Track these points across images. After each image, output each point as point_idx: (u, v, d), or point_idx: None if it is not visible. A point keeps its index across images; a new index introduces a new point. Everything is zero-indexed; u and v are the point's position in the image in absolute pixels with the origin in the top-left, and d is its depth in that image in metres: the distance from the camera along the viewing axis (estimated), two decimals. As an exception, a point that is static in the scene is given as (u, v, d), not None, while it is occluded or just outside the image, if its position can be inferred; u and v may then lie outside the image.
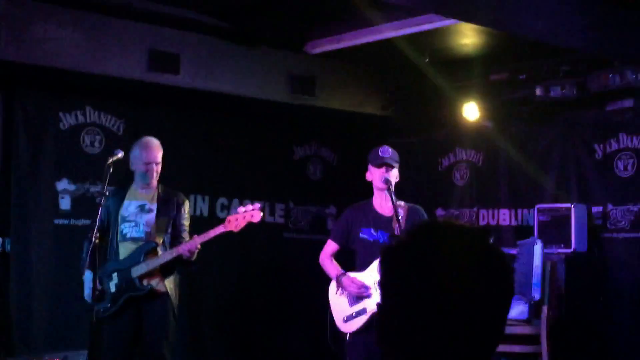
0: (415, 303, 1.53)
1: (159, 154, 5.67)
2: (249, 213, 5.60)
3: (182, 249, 5.44)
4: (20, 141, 6.72)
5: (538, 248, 6.36)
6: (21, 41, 6.14)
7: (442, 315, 1.51)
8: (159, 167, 5.67)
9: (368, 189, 5.69)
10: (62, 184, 6.93)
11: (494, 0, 4.25)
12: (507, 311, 1.59)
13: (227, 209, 7.79)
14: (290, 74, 7.53)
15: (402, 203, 5.64)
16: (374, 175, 5.59)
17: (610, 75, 6.77)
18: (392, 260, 1.59)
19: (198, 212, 7.61)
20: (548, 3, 4.13)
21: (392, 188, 5.52)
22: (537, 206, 7.15)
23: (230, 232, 5.57)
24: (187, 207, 5.81)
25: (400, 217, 5.46)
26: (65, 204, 6.94)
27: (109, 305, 5.51)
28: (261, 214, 5.69)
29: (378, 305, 1.61)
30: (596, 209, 7.15)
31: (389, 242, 5.31)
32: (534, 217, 7.15)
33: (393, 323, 1.57)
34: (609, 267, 6.98)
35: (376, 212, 5.63)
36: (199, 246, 5.47)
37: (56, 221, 6.90)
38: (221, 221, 5.69)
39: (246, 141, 7.95)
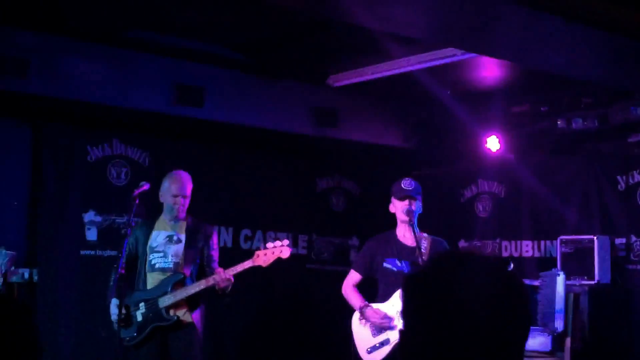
0: (436, 330, 1.56)
1: (188, 187, 5.73)
2: (279, 249, 5.61)
3: (218, 280, 5.46)
4: (48, 173, 6.84)
5: (560, 279, 6.35)
6: (49, 75, 6.29)
7: (463, 342, 1.54)
8: (187, 201, 5.72)
9: (390, 220, 5.73)
10: (89, 216, 7.03)
11: (513, 35, 4.30)
12: (526, 339, 1.62)
13: (251, 240, 7.85)
14: (313, 106, 7.63)
15: (425, 235, 5.68)
16: (397, 207, 5.64)
17: (632, 107, 6.80)
18: (414, 287, 1.63)
19: (222, 243, 7.64)
20: (567, 37, 4.19)
21: (415, 220, 5.57)
22: (559, 237, 7.14)
23: (259, 267, 5.59)
24: (215, 238, 5.85)
25: (423, 248, 5.49)
26: (91, 235, 7.03)
27: (135, 334, 5.56)
28: (290, 250, 5.69)
29: (400, 332, 1.65)
30: (619, 241, 7.14)
31: (411, 271, 5.34)
32: (557, 249, 7.14)
33: (415, 349, 1.60)
34: (633, 298, 6.94)
35: (400, 243, 5.67)
36: (232, 279, 5.49)
37: (82, 252, 6.99)
38: (245, 252, 5.74)
39: (269, 173, 8.03)
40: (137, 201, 5.42)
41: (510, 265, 1.60)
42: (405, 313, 1.64)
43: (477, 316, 1.55)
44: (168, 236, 5.69)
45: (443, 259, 1.67)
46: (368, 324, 5.56)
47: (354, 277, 5.78)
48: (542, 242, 7.74)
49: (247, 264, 5.54)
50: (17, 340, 1.90)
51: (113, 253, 6.66)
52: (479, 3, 3.57)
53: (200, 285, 5.50)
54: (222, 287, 5.49)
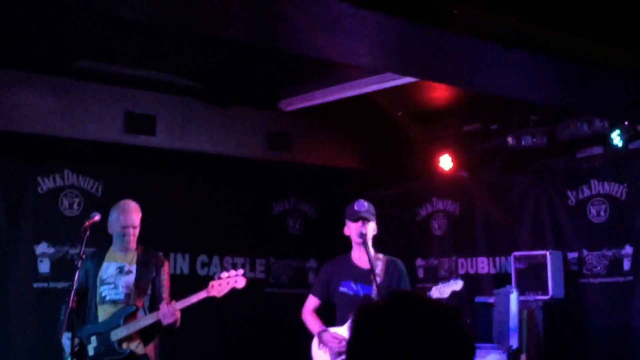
0: None
1: (137, 218, 5.64)
2: (233, 279, 5.53)
3: (164, 317, 5.37)
4: (-2, 206, 6.76)
5: (514, 297, 6.42)
6: (-2, 108, 6.22)
7: None
8: (137, 231, 5.63)
9: (348, 241, 5.75)
10: (41, 247, 6.95)
11: (458, 61, 4.37)
12: None
13: (208, 266, 7.82)
14: (266, 131, 7.64)
15: (380, 256, 5.70)
16: (351, 229, 5.65)
17: (579, 123, 6.92)
18: (365, 321, 1.65)
19: (178, 271, 7.62)
20: (512, 62, 4.26)
21: (370, 242, 5.59)
22: (513, 254, 7.23)
23: (213, 298, 5.54)
24: (166, 268, 5.76)
25: (378, 270, 5.52)
26: (44, 267, 6.95)
27: (88, 369, 5.48)
28: (245, 280, 5.60)
29: None
30: (572, 255, 7.24)
31: (364, 303, 5.36)
32: (511, 265, 7.22)
33: None
34: (587, 312, 7.04)
35: (355, 266, 5.68)
36: (177, 313, 5.39)
37: (35, 285, 6.90)
38: (202, 279, 5.70)
39: (225, 198, 8.02)
40: (88, 232, 5.35)
41: (463, 317, 1.62)
42: (350, 344, 1.65)
43: (422, 355, 1.57)
44: (119, 267, 5.59)
45: (398, 299, 1.69)
46: (327, 349, 5.56)
47: (312, 301, 5.78)
48: (497, 259, 7.82)
49: (201, 295, 5.46)
50: None
51: (67, 285, 6.56)
52: (422, 32, 3.63)
53: (153, 317, 5.42)
54: (168, 322, 5.37)
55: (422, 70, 4.58)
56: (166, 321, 5.36)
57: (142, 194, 6.25)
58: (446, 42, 3.87)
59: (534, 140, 7.27)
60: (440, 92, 7.12)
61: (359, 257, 5.67)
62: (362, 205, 5.65)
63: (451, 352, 1.60)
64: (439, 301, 1.69)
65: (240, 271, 5.62)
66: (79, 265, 5.32)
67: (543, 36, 3.87)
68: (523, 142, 7.32)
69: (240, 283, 5.57)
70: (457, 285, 5.64)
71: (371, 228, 5.63)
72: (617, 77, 4.71)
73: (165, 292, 5.66)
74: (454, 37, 3.70)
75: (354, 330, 1.65)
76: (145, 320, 5.44)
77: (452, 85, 5.60)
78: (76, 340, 5.34)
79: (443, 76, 4.79)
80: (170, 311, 5.36)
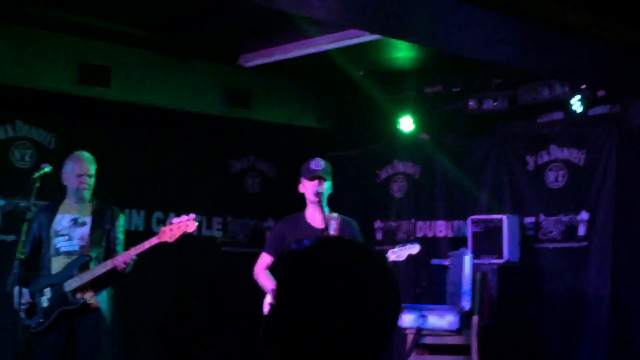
0: (307, 306, 1.56)
1: (91, 167, 5.61)
2: (184, 223, 5.54)
3: (117, 261, 5.38)
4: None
5: (467, 259, 6.43)
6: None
7: (330, 322, 1.55)
8: (92, 181, 5.61)
9: (303, 199, 5.70)
10: (-9, 199, 6.81)
11: (420, 18, 4.29)
12: (396, 321, 1.64)
13: (163, 223, 7.68)
14: (225, 87, 7.53)
15: (335, 215, 5.67)
16: (307, 187, 5.61)
17: (540, 88, 6.90)
18: (293, 263, 1.63)
19: (134, 227, 7.53)
20: (474, 21, 4.20)
21: (324, 200, 5.55)
22: (470, 217, 7.23)
23: (165, 243, 5.50)
24: (121, 220, 5.76)
25: (331, 229, 5.48)
26: (-6, 219, 6.82)
27: (41, 320, 5.43)
28: (196, 224, 5.61)
29: (270, 305, 1.64)
30: (528, 220, 7.27)
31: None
32: (468, 228, 7.22)
33: (282, 325, 1.59)
34: (541, 276, 7.08)
35: (308, 224, 5.64)
36: (134, 257, 5.41)
37: (-15, 236, 6.77)
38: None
39: (182, 155, 7.90)
40: (37, 184, 5.26)
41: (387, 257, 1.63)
42: (279, 286, 1.63)
43: (348, 299, 1.56)
44: (73, 219, 5.57)
45: (327, 241, 1.72)
46: (278, 307, 5.52)
47: (265, 259, 5.74)
48: (455, 222, 7.83)
49: (153, 241, 5.46)
50: None
51: (17, 237, 6.46)
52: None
53: (107, 265, 5.42)
54: (121, 268, 5.40)
55: (379, 25, 4.50)
56: (120, 267, 5.37)
57: (96, 147, 6.12)
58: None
59: (496, 104, 7.24)
60: (401, 52, 7.05)
61: (313, 215, 5.64)
62: (319, 164, 5.61)
63: (379, 294, 1.60)
64: (366, 244, 1.67)
65: (192, 215, 5.61)
66: (29, 218, 5.26)
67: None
68: (484, 106, 7.28)
69: (191, 227, 5.56)
70: (414, 249, 5.67)
71: (326, 187, 5.59)
72: (577, 40, 4.68)
73: (120, 245, 5.64)
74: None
75: (283, 271, 1.63)
76: (98, 269, 5.44)
77: (409, 41, 5.54)
78: (28, 296, 5.29)
79: (399, 31, 4.72)
80: (123, 258, 5.36)
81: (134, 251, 5.41)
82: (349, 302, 1.56)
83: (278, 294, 1.62)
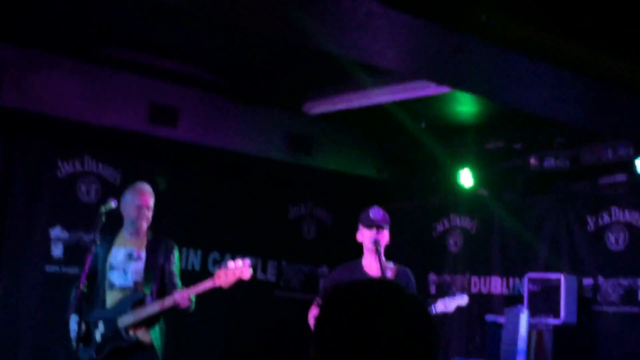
0: (346, 351, 1.56)
1: (150, 199, 5.58)
2: (239, 269, 5.43)
3: (180, 298, 5.36)
4: (16, 186, 6.80)
5: (524, 317, 6.34)
6: (23, 89, 6.26)
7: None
8: (150, 213, 5.57)
9: (361, 250, 5.70)
10: (56, 231, 6.96)
11: (487, 70, 4.32)
12: None
13: (219, 264, 7.78)
14: (288, 132, 7.63)
15: (390, 264, 5.65)
16: (364, 236, 5.61)
17: (604, 148, 6.85)
18: (333, 301, 1.64)
19: (190, 266, 7.61)
20: (541, 76, 4.22)
21: (382, 249, 5.54)
22: (527, 275, 7.15)
23: (220, 288, 5.49)
24: (176, 253, 5.68)
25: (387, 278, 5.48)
26: (57, 251, 6.96)
27: (93, 354, 5.45)
28: (251, 271, 5.50)
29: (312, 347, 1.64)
30: (587, 281, 7.15)
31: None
32: (524, 286, 7.14)
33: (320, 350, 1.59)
34: (599, 340, 6.94)
35: (364, 272, 5.63)
36: (191, 299, 5.37)
37: (47, 268, 6.91)
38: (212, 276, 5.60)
39: (242, 197, 8.00)
40: (103, 219, 5.33)
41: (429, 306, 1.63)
42: (317, 324, 1.62)
43: (388, 344, 1.56)
44: (128, 253, 5.54)
45: (365, 282, 1.70)
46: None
47: (319, 305, 5.73)
48: (511, 279, 7.75)
49: (208, 284, 5.37)
50: None
51: (79, 270, 6.58)
52: (447, 35, 3.60)
53: (162, 305, 5.39)
54: (183, 307, 5.37)
55: (445, 75, 4.54)
56: (182, 305, 5.33)
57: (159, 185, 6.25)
58: (471, 48, 3.83)
59: (557, 162, 7.20)
60: (464, 107, 7.08)
61: (370, 264, 5.63)
62: (378, 213, 5.61)
63: (418, 336, 1.59)
64: (412, 292, 1.68)
65: (247, 261, 5.52)
66: (92, 249, 5.31)
67: (570, 51, 3.83)
68: (546, 164, 7.26)
69: (247, 274, 5.46)
70: (463, 300, 5.57)
71: (384, 236, 5.58)
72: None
73: (176, 279, 5.59)
74: (480, 44, 3.67)
75: (321, 311, 1.63)
76: (153, 307, 5.40)
77: (474, 94, 5.55)
78: (83, 326, 5.32)
79: (466, 84, 4.75)
80: (185, 296, 5.33)
81: (189, 291, 5.35)
82: (382, 340, 1.55)
83: (317, 330, 1.62)
